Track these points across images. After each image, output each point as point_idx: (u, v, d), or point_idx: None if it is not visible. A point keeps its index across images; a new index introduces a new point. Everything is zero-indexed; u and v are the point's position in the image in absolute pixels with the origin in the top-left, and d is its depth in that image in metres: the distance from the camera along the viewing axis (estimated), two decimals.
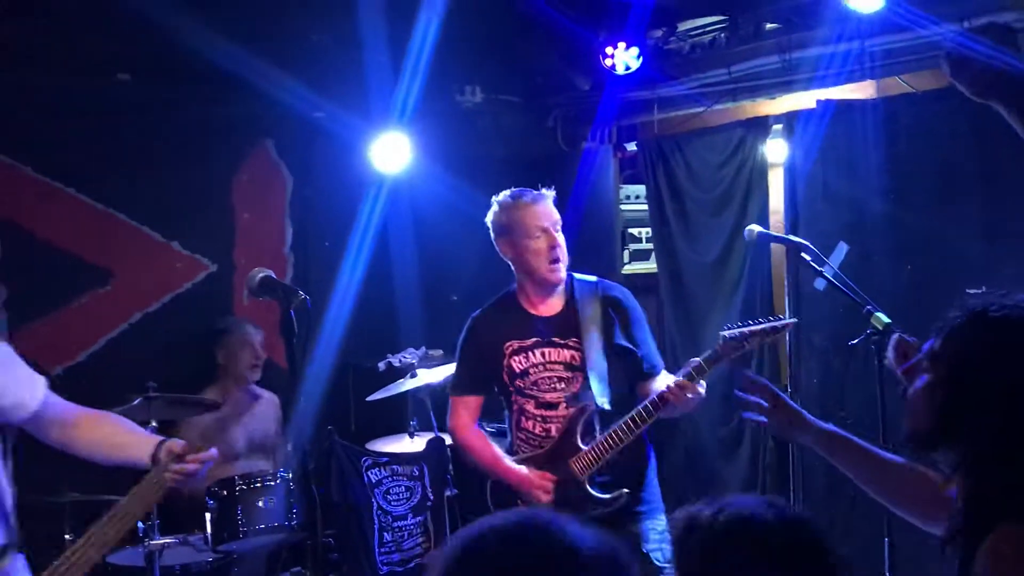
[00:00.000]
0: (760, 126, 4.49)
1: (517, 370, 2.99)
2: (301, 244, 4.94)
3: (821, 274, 2.98)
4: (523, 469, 2.91)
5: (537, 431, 2.98)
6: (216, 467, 2.57)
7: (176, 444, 2.35)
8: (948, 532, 1.52)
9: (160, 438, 2.41)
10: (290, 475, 3.53)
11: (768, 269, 4.47)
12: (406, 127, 4.59)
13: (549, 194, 3.09)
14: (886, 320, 2.81)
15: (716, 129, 4.62)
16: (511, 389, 3.01)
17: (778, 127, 4.45)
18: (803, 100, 4.23)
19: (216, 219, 4.65)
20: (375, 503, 3.80)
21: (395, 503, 3.86)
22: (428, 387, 4.11)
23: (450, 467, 3.90)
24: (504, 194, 3.12)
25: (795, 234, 3.92)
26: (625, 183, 5.28)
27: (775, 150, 4.48)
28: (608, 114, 4.80)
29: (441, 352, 4.75)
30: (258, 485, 3.46)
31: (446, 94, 4.93)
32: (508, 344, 3.01)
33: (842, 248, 3.96)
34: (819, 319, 4.07)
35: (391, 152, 4.61)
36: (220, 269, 4.61)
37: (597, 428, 2.86)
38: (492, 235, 3.10)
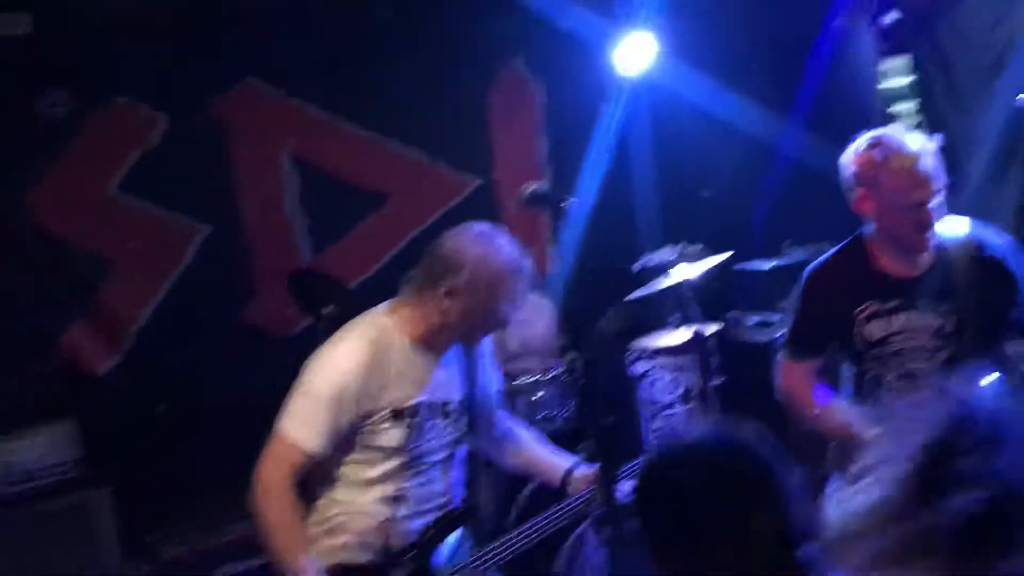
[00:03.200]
0: None
1: (874, 338, 2.65)
2: (556, 155, 5.12)
3: None
4: None
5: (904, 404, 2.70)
6: None
7: (589, 475, 2.62)
8: None
9: (569, 463, 2.70)
10: (561, 370, 3.81)
11: None
12: (651, 25, 4.57)
13: (931, 146, 2.59)
14: None
15: None
16: (865, 356, 2.69)
17: None
18: None
19: (475, 137, 4.92)
20: (643, 394, 4.01)
21: (661, 393, 4.05)
22: (688, 282, 4.22)
23: (715, 358, 4.02)
24: (871, 142, 2.60)
25: None
26: (883, 56, 4.98)
27: None
28: None
29: (700, 247, 4.82)
30: (534, 380, 3.77)
31: None
32: (863, 307, 2.64)
33: None
34: None
35: (636, 52, 4.61)
36: (484, 185, 4.91)
37: None
38: (847, 181, 2.65)
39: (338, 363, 2.42)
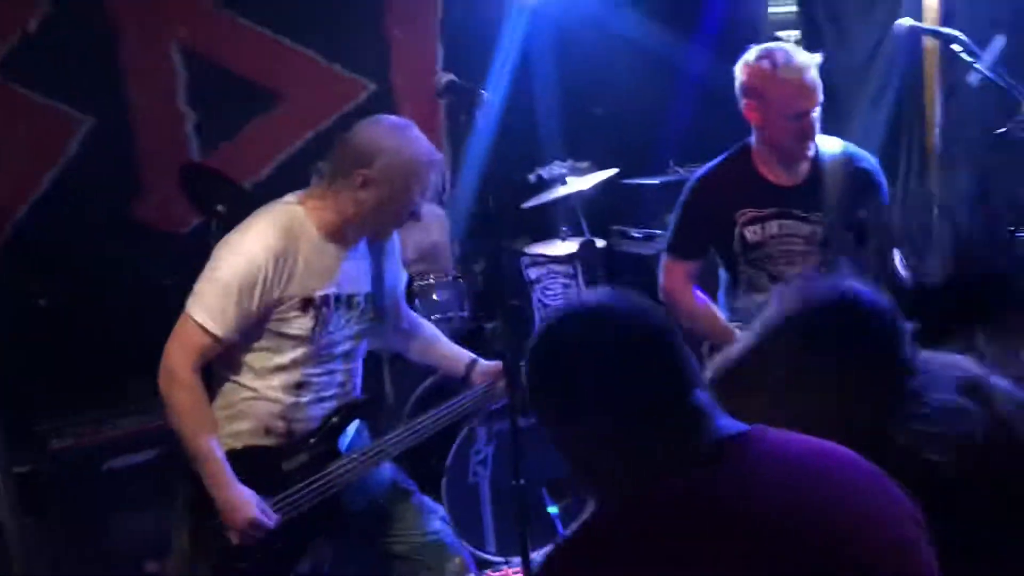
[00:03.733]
0: None
1: (751, 241, 2.85)
2: (452, 62, 5.11)
3: (970, 66, 2.98)
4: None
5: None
6: None
7: (492, 367, 2.74)
8: None
9: (471, 357, 2.82)
10: (458, 273, 3.91)
11: (920, 66, 4.39)
12: None
13: (815, 61, 2.79)
14: None
15: None
16: (740, 259, 2.89)
17: None
18: None
19: (372, 40, 4.86)
20: (535, 298, 4.18)
21: (552, 298, 4.22)
22: (579, 195, 4.40)
23: (601, 266, 4.21)
24: (760, 54, 2.79)
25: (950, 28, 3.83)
26: None
27: None
28: None
29: (588, 163, 4.96)
30: (432, 282, 3.86)
31: None
32: (742, 212, 2.84)
33: (999, 41, 3.85)
34: (970, 112, 4.03)
35: None
36: (379, 88, 4.88)
37: None
38: (737, 90, 2.83)
39: (248, 248, 2.43)
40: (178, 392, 2.41)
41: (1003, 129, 3.01)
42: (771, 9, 5.13)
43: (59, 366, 3.93)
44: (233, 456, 2.47)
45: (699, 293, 2.98)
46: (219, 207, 4.00)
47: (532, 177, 4.77)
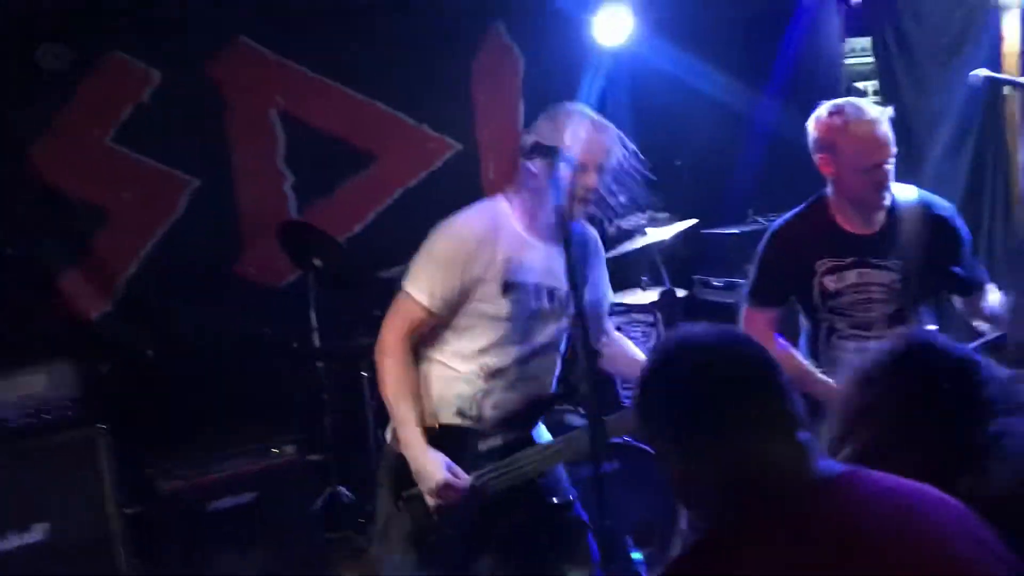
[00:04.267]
0: None
1: (830, 290, 2.90)
2: (532, 119, 5.27)
3: None
4: (831, 381, 2.79)
5: (853, 350, 2.88)
6: None
7: None
8: None
9: None
10: None
11: (1000, 112, 4.39)
12: None
13: (886, 114, 2.85)
14: None
15: None
16: (821, 307, 2.94)
17: None
18: None
19: (458, 102, 5.07)
20: None
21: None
22: (659, 244, 4.49)
23: (682, 316, 4.27)
24: (831, 109, 2.85)
25: None
26: (849, 36, 5.23)
27: None
28: None
29: (667, 214, 5.06)
30: None
31: None
32: (821, 262, 2.89)
33: None
34: None
35: (613, 24, 4.78)
36: (466, 148, 5.08)
37: None
38: (810, 146, 2.89)
39: (455, 229, 2.66)
40: (387, 359, 2.62)
41: None
42: (848, 61, 5.19)
43: (166, 412, 4.17)
44: (431, 432, 2.62)
45: (780, 340, 3.03)
46: (315, 261, 4.24)
47: (612, 228, 4.87)
